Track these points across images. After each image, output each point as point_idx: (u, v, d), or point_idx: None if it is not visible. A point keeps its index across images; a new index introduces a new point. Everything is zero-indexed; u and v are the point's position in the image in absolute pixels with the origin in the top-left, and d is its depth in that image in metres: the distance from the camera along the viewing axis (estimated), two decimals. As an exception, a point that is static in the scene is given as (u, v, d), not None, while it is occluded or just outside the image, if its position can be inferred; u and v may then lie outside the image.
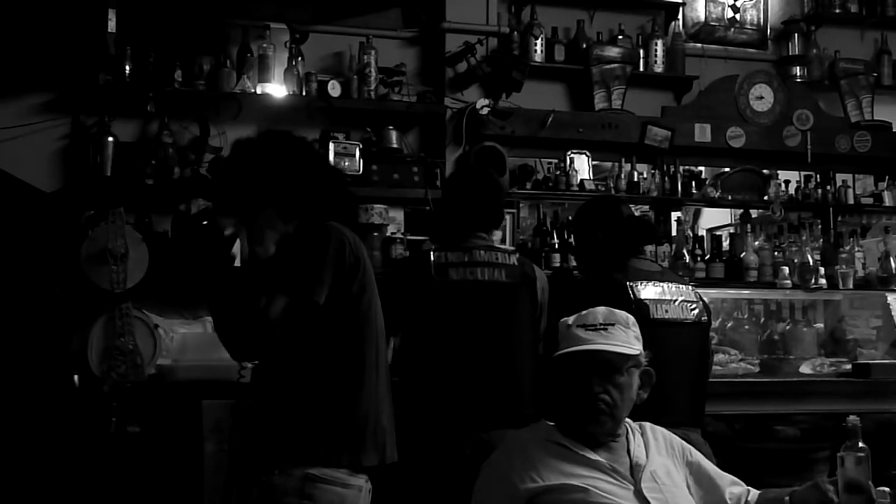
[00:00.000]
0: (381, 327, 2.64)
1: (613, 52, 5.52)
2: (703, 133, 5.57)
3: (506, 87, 5.13)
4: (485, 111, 5.06)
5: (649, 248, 3.74)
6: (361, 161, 4.80)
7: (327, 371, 2.49)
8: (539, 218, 5.35)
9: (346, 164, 4.76)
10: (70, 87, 4.71)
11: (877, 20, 6.10)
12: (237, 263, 2.54)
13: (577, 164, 5.39)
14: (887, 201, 5.78)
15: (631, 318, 2.33)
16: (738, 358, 4.39)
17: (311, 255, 2.46)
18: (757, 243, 5.28)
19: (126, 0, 4.62)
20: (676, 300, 3.19)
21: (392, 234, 4.90)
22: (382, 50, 5.07)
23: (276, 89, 4.86)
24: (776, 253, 5.22)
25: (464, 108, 5.10)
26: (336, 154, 4.75)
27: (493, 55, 5.16)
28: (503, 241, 5.01)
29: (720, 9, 5.94)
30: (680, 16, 5.84)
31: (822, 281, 4.78)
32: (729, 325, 4.72)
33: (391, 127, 4.99)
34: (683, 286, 3.29)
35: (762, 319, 4.82)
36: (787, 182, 5.76)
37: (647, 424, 2.38)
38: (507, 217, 5.12)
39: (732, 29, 5.94)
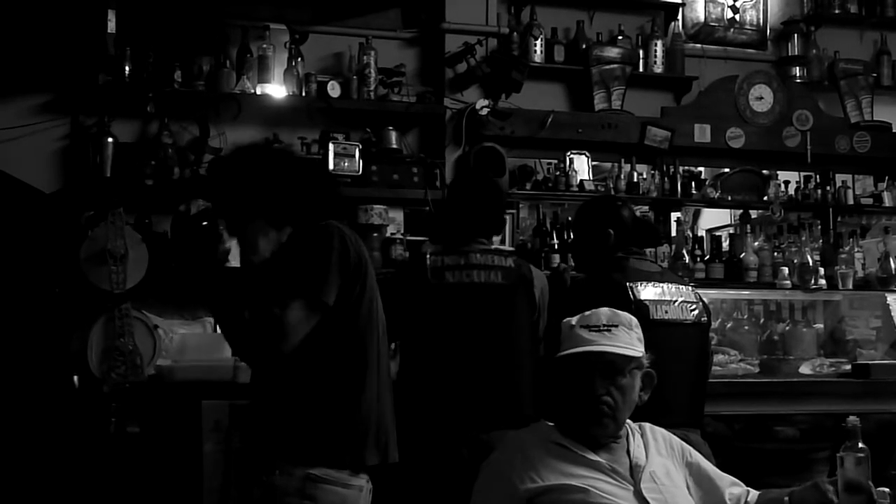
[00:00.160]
0: (383, 326, 2.64)
1: (613, 52, 5.52)
2: (702, 133, 5.57)
3: (505, 87, 5.13)
4: (484, 112, 5.06)
5: (649, 249, 3.74)
6: (361, 161, 4.80)
7: (329, 370, 2.49)
8: (539, 218, 5.35)
9: (346, 164, 4.77)
10: (70, 88, 4.71)
11: (876, 21, 6.11)
12: (230, 260, 2.54)
13: (576, 165, 5.39)
14: (887, 202, 5.78)
15: (634, 320, 2.33)
16: (737, 358, 4.39)
17: (315, 256, 2.45)
18: (756, 244, 5.28)
19: (125, 1, 4.63)
20: (676, 301, 3.19)
21: (392, 234, 4.90)
22: (382, 50, 5.08)
23: (276, 90, 4.86)
24: (776, 253, 5.22)
25: (463, 108, 5.11)
26: (336, 154, 4.75)
27: (493, 56, 5.17)
28: (503, 241, 5.02)
29: (720, 9, 5.94)
30: (679, 16, 5.85)
31: (822, 281, 4.77)
32: (728, 325, 4.72)
33: (391, 127, 4.99)
34: (683, 287, 3.29)
35: (762, 320, 4.81)
36: (786, 182, 5.77)
37: (647, 425, 2.38)
38: (507, 217, 5.12)
39: (732, 29, 5.94)
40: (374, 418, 2.53)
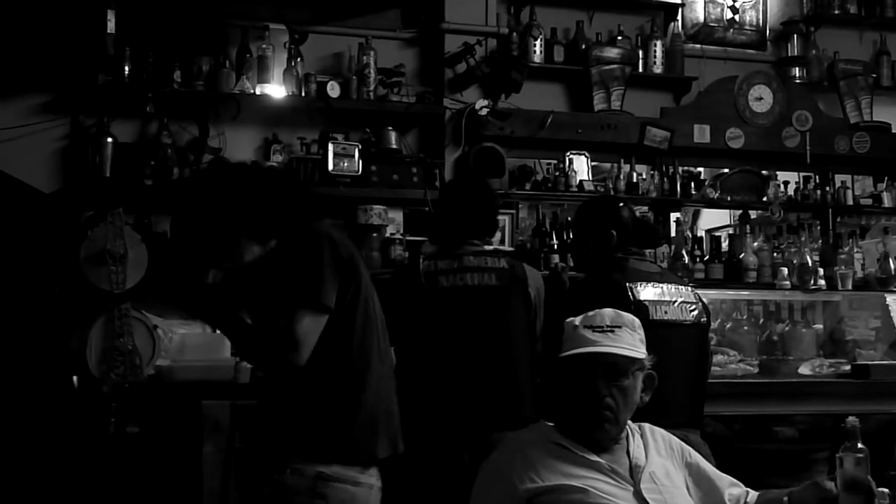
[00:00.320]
0: (382, 320, 2.65)
1: (612, 52, 5.52)
2: (702, 134, 5.57)
3: (505, 87, 5.13)
4: (484, 112, 5.06)
5: (648, 249, 3.75)
6: (360, 162, 4.80)
7: (334, 368, 2.49)
8: (538, 219, 5.35)
9: (346, 164, 4.77)
10: (69, 88, 4.71)
11: (876, 21, 6.11)
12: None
13: (576, 165, 5.39)
14: (886, 202, 5.79)
15: (637, 321, 2.33)
16: (737, 359, 4.39)
17: (309, 264, 2.47)
18: (756, 244, 5.28)
19: (125, 1, 4.62)
20: (676, 301, 3.19)
21: (391, 234, 4.90)
22: (382, 51, 5.08)
23: (276, 90, 4.86)
24: (775, 254, 5.22)
25: (463, 108, 5.11)
26: (335, 155, 4.76)
27: (493, 56, 5.17)
28: (502, 241, 5.02)
29: (719, 10, 5.95)
30: (679, 17, 5.85)
31: (822, 282, 4.77)
32: (728, 325, 4.72)
33: (390, 127, 4.99)
34: (683, 287, 3.29)
35: (761, 320, 4.81)
36: (786, 183, 5.77)
37: (647, 425, 2.38)
38: (507, 218, 5.13)
39: (731, 30, 5.95)
40: (381, 409, 2.55)
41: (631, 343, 2.27)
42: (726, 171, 5.75)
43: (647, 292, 3.15)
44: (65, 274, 4.34)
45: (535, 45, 5.44)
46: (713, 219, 6.24)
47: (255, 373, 3.63)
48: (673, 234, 5.42)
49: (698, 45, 5.87)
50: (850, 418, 2.15)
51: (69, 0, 4.65)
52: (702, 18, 5.92)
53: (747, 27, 5.99)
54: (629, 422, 2.34)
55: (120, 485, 3.84)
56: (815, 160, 5.72)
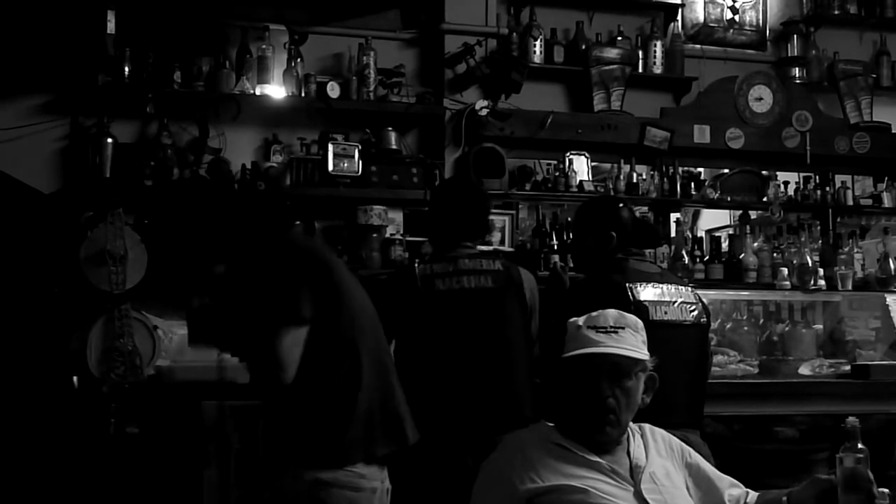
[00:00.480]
0: (371, 315, 2.65)
1: (612, 53, 5.52)
2: (702, 134, 5.57)
3: (505, 88, 5.13)
4: (484, 112, 5.06)
5: (648, 250, 3.75)
6: (360, 162, 4.80)
7: (324, 372, 2.49)
8: (538, 219, 5.35)
9: (346, 165, 4.77)
10: (69, 89, 4.71)
11: (876, 21, 6.11)
12: None
13: (576, 166, 5.39)
14: (886, 202, 5.78)
15: (640, 322, 2.33)
16: (737, 359, 4.39)
17: (279, 279, 2.47)
18: (756, 244, 5.28)
19: (125, 1, 4.63)
20: (676, 302, 3.19)
21: (391, 235, 4.90)
22: (381, 51, 5.08)
23: (276, 90, 4.86)
24: (775, 254, 5.22)
25: (463, 109, 5.11)
26: (335, 155, 4.76)
27: (493, 56, 5.17)
28: (502, 242, 5.02)
29: (719, 10, 5.95)
30: (679, 17, 5.85)
31: (822, 282, 4.78)
32: (728, 326, 4.72)
33: (390, 128, 4.99)
34: (683, 287, 3.29)
35: (761, 321, 4.82)
36: (786, 183, 5.77)
37: (647, 426, 2.38)
38: (507, 218, 5.13)
39: (731, 30, 5.95)
40: (377, 408, 2.54)
41: (634, 344, 2.26)
42: (726, 171, 5.74)
43: (647, 293, 3.15)
44: (65, 274, 4.34)
45: (534, 46, 5.43)
46: (713, 219, 6.24)
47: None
48: (673, 234, 5.41)
49: (698, 46, 5.87)
50: (850, 418, 2.15)
51: (69, 0, 4.65)
52: (702, 19, 5.92)
53: (747, 27, 5.99)
54: (629, 422, 2.34)
55: (120, 485, 3.84)
56: (815, 160, 5.72)
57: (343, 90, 4.99)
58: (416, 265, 3.30)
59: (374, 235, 4.83)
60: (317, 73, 5.01)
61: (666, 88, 5.78)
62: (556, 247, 5.13)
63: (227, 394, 3.82)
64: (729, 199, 5.65)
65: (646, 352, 2.28)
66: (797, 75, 5.98)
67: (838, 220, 5.81)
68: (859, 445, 2.10)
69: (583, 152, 5.44)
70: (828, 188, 5.77)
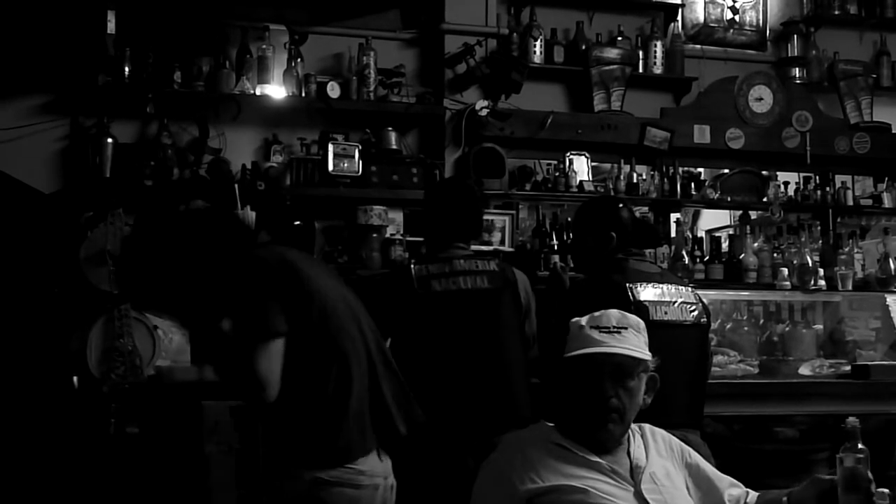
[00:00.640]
0: (354, 310, 2.65)
1: (612, 53, 5.52)
2: (702, 134, 5.57)
3: (505, 88, 5.13)
4: (484, 112, 5.06)
5: (648, 250, 3.75)
6: (361, 162, 4.80)
7: (314, 380, 2.50)
8: (538, 219, 5.35)
9: (346, 165, 4.77)
10: (69, 89, 4.71)
11: (876, 21, 6.11)
12: None
13: (576, 166, 5.39)
14: (886, 202, 5.78)
15: (641, 323, 2.33)
16: (737, 359, 4.39)
17: (247, 297, 2.47)
18: (756, 245, 5.28)
19: (125, 1, 4.63)
20: (676, 302, 3.19)
21: (391, 235, 4.90)
22: (382, 51, 5.08)
23: (276, 90, 4.86)
24: (775, 254, 5.22)
25: (463, 109, 5.11)
26: (335, 155, 4.76)
27: (493, 56, 5.17)
28: (502, 242, 5.02)
29: (719, 10, 5.95)
30: (679, 17, 5.85)
31: (822, 282, 4.77)
32: (728, 326, 4.72)
33: (390, 128, 4.99)
34: (683, 288, 3.29)
35: (761, 321, 4.81)
36: (786, 183, 5.77)
37: (647, 426, 2.38)
38: (507, 218, 5.13)
39: (731, 30, 5.95)
40: (366, 407, 2.55)
41: (637, 345, 2.26)
42: (726, 171, 5.74)
43: (647, 293, 3.15)
44: (65, 274, 4.34)
45: (535, 46, 5.43)
46: (713, 219, 6.24)
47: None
48: (673, 234, 5.41)
49: (698, 46, 5.87)
50: (851, 419, 2.15)
51: (69, 0, 4.65)
52: (702, 19, 5.92)
53: (747, 28, 5.99)
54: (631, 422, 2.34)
55: (120, 485, 3.84)
56: (816, 161, 5.72)
57: (343, 90, 4.99)
58: (412, 266, 3.30)
59: (374, 235, 4.83)
60: (317, 73, 5.01)
61: (666, 88, 5.78)
62: (556, 247, 5.13)
63: (227, 394, 3.81)
64: (729, 199, 5.65)
65: (648, 352, 2.29)
66: (797, 75, 5.98)
67: (838, 220, 5.81)
68: (859, 446, 2.10)
69: (583, 152, 5.44)
70: (828, 188, 5.77)
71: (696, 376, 3.23)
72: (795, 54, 5.99)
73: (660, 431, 2.40)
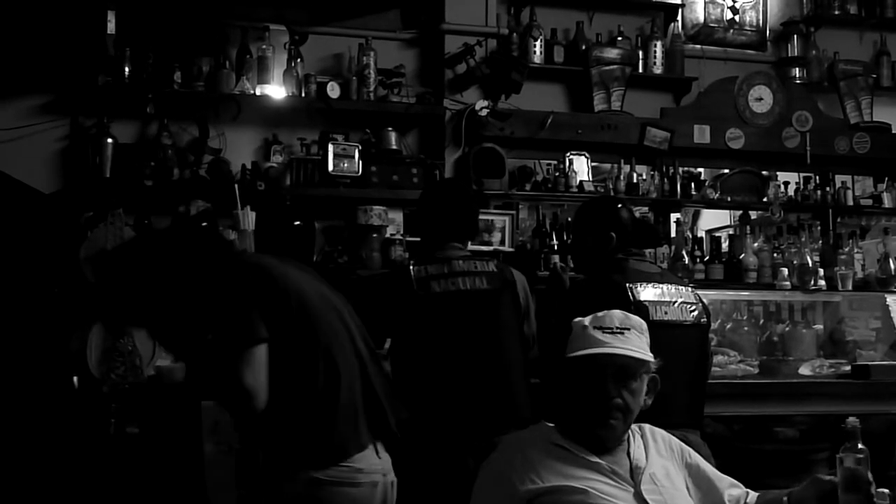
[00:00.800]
0: (339, 305, 2.65)
1: (612, 53, 5.52)
2: (702, 134, 5.57)
3: (505, 88, 5.13)
4: (484, 112, 5.06)
5: (648, 250, 3.75)
6: (361, 162, 4.80)
7: (302, 381, 2.50)
8: (538, 219, 5.35)
9: (346, 165, 4.77)
10: (69, 89, 4.71)
11: (876, 22, 6.11)
12: None
13: (576, 166, 5.39)
14: (886, 203, 5.78)
15: (644, 324, 2.33)
16: (737, 359, 4.39)
17: (226, 307, 2.48)
18: (756, 245, 5.28)
19: (125, 1, 4.63)
20: (676, 302, 3.19)
21: (391, 235, 4.90)
22: (381, 51, 5.08)
23: (276, 91, 4.86)
24: (775, 254, 5.22)
25: (463, 109, 5.11)
26: (335, 155, 4.76)
27: (493, 56, 5.17)
28: (502, 242, 5.02)
29: (719, 10, 5.95)
30: (679, 17, 5.85)
31: (822, 282, 4.77)
32: (728, 326, 4.72)
33: (390, 128, 4.99)
34: (683, 288, 3.29)
35: (761, 321, 4.81)
36: (786, 183, 5.77)
37: (647, 426, 2.38)
38: (507, 218, 5.12)
39: (731, 30, 5.95)
40: (359, 401, 2.55)
41: (639, 346, 2.27)
42: (726, 171, 5.74)
43: (647, 293, 3.15)
44: (65, 274, 4.34)
45: (535, 46, 5.43)
46: (713, 219, 6.24)
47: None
48: (673, 234, 5.41)
49: (698, 46, 5.87)
50: (851, 419, 2.15)
51: (69, 1, 4.65)
52: (702, 19, 5.92)
53: (747, 28, 5.99)
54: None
55: (120, 485, 3.84)
56: (816, 161, 5.72)
57: (343, 90, 4.99)
58: (411, 267, 3.30)
59: (374, 235, 4.83)
60: (317, 73, 5.01)
61: (666, 88, 5.78)
62: (556, 247, 5.13)
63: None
64: (729, 199, 5.65)
65: (650, 353, 2.29)
66: (797, 75, 5.98)
67: (838, 220, 5.81)
68: (859, 446, 2.11)
69: (583, 152, 5.44)
70: (828, 188, 5.77)
71: (696, 376, 3.23)
72: (795, 54, 5.99)
73: (660, 431, 2.40)
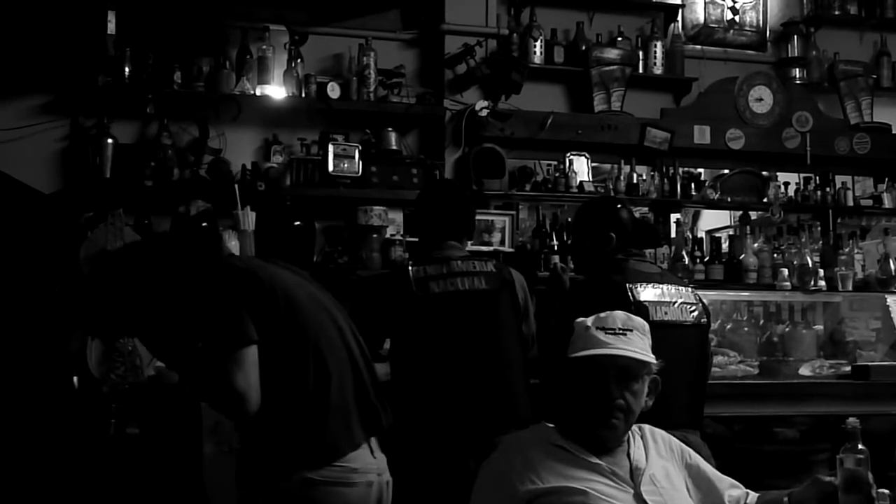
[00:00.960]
0: (329, 305, 2.65)
1: (613, 53, 5.52)
2: (702, 135, 5.57)
3: (505, 88, 5.13)
4: (484, 113, 5.06)
5: (648, 250, 3.74)
6: (361, 163, 4.80)
7: (294, 382, 2.50)
8: (538, 220, 5.34)
9: (346, 165, 4.77)
10: (69, 89, 4.72)
11: (876, 22, 6.11)
12: None
13: (576, 166, 5.39)
14: (886, 203, 5.78)
15: (646, 325, 2.33)
16: (737, 360, 4.39)
17: (216, 311, 2.48)
18: (756, 245, 5.28)
19: (125, 2, 4.63)
20: (676, 302, 3.19)
21: (391, 235, 4.90)
22: (382, 51, 5.08)
23: (276, 91, 4.86)
24: (775, 255, 5.22)
25: (463, 109, 5.11)
26: (335, 156, 4.76)
27: (493, 57, 5.17)
28: (502, 242, 5.02)
29: (719, 11, 5.95)
30: (679, 17, 5.85)
31: (822, 283, 4.78)
32: (728, 326, 4.72)
33: (390, 128, 4.99)
34: (683, 288, 3.29)
35: (761, 321, 4.82)
36: (786, 184, 5.76)
37: (647, 427, 2.38)
38: (507, 218, 5.12)
39: (732, 31, 5.95)
40: (350, 399, 2.55)
41: (642, 347, 2.26)
42: (726, 171, 5.74)
43: (647, 293, 3.15)
44: (65, 274, 4.34)
45: (535, 46, 5.43)
46: (713, 220, 6.24)
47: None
48: (673, 234, 5.41)
49: (698, 46, 5.87)
50: (851, 419, 2.15)
51: (69, 1, 4.65)
52: (702, 19, 5.92)
53: (747, 28, 5.99)
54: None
55: (120, 485, 3.84)
56: (816, 161, 5.72)
57: (343, 90, 4.99)
58: (410, 267, 3.30)
59: (375, 236, 4.83)
60: (317, 73, 5.01)
61: (666, 89, 5.78)
62: (556, 247, 5.13)
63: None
64: (729, 199, 5.65)
65: (652, 355, 2.28)
66: (797, 76, 5.98)
67: (839, 220, 5.81)
68: (860, 446, 2.11)
69: (583, 153, 5.44)
70: (828, 189, 5.76)
71: (696, 377, 3.23)
72: (795, 55, 5.99)
73: (660, 432, 2.40)
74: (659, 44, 5.70)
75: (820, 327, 4.83)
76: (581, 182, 5.33)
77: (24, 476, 4.00)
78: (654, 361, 2.27)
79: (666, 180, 5.51)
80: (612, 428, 2.23)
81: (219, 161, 4.76)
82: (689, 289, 3.33)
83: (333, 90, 4.95)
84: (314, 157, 4.84)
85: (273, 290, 2.54)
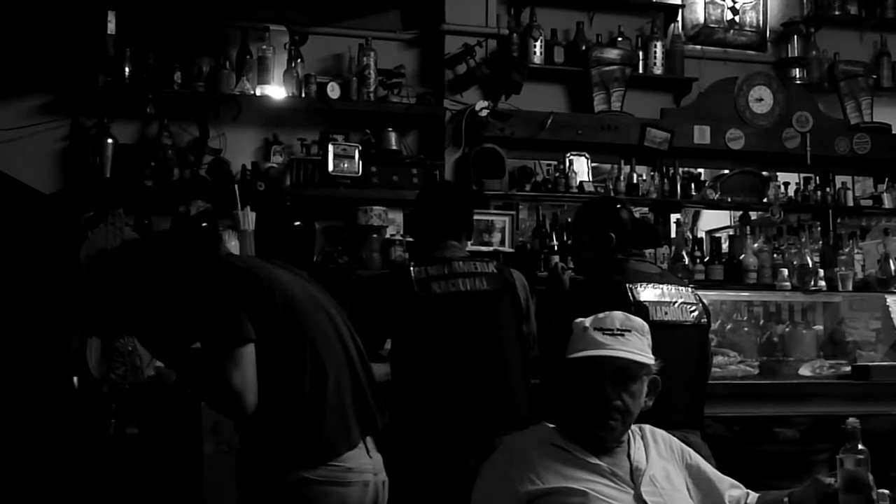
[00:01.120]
0: (327, 304, 2.65)
1: (613, 53, 5.52)
2: (702, 135, 5.57)
3: (505, 88, 5.13)
4: (484, 113, 5.06)
5: (648, 250, 3.74)
6: (361, 163, 4.80)
7: (291, 381, 2.50)
8: (538, 220, 5.34)
9: (346, 165, 4.77)
10: (69, 89, 4.71)
11: (876, 22, 6.11)
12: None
13: (576, 166, 5.39)
14: (886, 203, 5.78)
15: (645, 326, 2.32)
16: (737, 360, 4.39)
17: (214, 309, 2.48)
18: (756, 245, 5.28)
19: (125, 2, 4.63)
20: (676, 302, 3.19)
21: (391, 235, 4.90)
22: (382, 51, 5.07)
23: (276, 91, 4.86)
24: (775, 255, 5.22)
25: (463, 109, 5.11)
26: (335, 156, 4.76)
27: (493, 57, 5.17)
28: (502, 242, 5.02)
29: (719, 11, 5.95)
30: (679, 18, 5.85)
31: (822, 283, 4.78)
32: (728, 326, 4.72)
33: (390, 129, 4.99)
34: (683, 288, 3.29)
35: (761, 321, 4.82)
36: (786, 184, 5.76)
37: (647, 427, 2.38)
38: (507, 219, 5.12)
39: (732, 31, 5.95)
40: (347, 399, 2.55)
41: (640, 348, 2.26)
42: (726, 172, 5.74)
43: (647, 293, 3.15)
44: (65, 274, 4.33)
45: (535, 46, 5.43)
46: (713, 220, 6.24)
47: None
48: (673, 235, 5.41)
49: (698, 46, 5.87)
50: (851, 419, 2.15)
51: (69, 1, 4.65)
52: (702, 19, 5.92)
53: (747, 28, 5.99)
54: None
55: (120, 485, 3.84)
56: (816, 161, 5.72)
57: (343, 91, 4.99)
58: (412, 268, 3.29)
59: (375, 236, 4.83)
60: (317, 73, 5.01)
61: (666, 89, 5.78)
62: (556, 247, 5.13)
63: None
64: (729, 199, 5.65)
65: (651, 355, 2.28)
66: (797, 76, 5.98)
67: (839, 220, 5.81)
68: (860, 446, 2.11)
69: (583, 153, 5.44)
70: (828, 189, 5.76)
71: (696, 377, 3.23)
72: (795, 55, 5.99)
73: (660, 432, 2.40)
74: (659, 44, 5.70)
75: (820, 327, 4.84)
76: (581, 182, 5.32)
77: (24, 476, 4.00)
78: (653, 362, 2.27)
79: (666, 180, 5.51)
80: (609, 429, 2.23)
81: (219, 161, 4.76)
82: (689, 289, 3.33)
83: (333, 90, 4.95)
84: (314, 157, 4.84)
85: (271, 289, 2.54)
